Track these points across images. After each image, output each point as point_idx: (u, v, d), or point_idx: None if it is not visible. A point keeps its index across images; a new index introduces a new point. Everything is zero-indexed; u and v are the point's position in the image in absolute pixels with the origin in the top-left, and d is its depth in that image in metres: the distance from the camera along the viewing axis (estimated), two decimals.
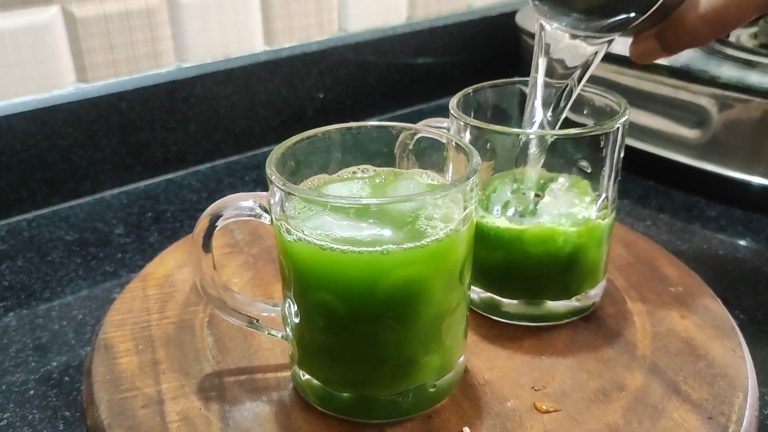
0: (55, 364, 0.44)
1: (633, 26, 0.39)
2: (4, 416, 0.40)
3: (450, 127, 0.42)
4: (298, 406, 0.38)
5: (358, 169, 0.40)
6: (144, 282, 0.48)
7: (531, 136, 0.41)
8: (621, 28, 0.39)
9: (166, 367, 0.40)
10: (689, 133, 0.61)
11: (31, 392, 0.42)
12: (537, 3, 0.40)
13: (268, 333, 0.39)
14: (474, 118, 0.43)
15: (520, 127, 0.43)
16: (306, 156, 0.38)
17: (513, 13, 0.81)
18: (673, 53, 0.41)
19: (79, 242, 0.57)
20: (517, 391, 0.38)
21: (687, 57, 0.61)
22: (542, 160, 0.41)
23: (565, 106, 0.41)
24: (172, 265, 0.50)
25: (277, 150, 0.36)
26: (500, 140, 0.42)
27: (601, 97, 0.43)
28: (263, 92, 0.71)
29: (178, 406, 0.37)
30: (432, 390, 0.37)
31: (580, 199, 0.42)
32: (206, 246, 0.36)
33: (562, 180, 0.43)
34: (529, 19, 0.77)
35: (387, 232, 0.33)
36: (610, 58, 0.63)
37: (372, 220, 0.34)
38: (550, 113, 0.41)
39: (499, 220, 0.42)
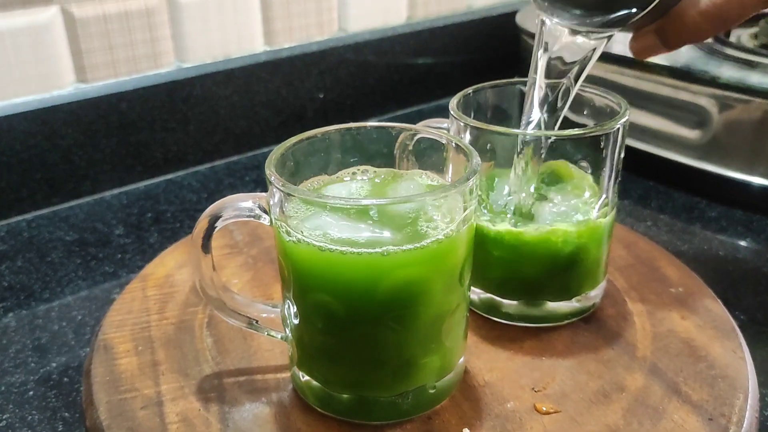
0: (54, 364, 0.44)
1: (633, 22, 0.39)
2: (4, 417, 0.40)
3: (450, 127, 0.42)
4: (297, 408, 0.38)
5: (358, 170, 0.40)
6: (143, 282, 0.48)
7: (530, 137, 0.41)
8: (621, 23, 0.39)
9: (166, 368, 0.40)
10: (690, 133, 0.61)
11: (31, 393, 0.42)
12: None
13: (268, 334, 0.39)
14: (474, 118, 0.43)
15: (520, 127, 0.43)
16: (305, 157, 0.38)
17: (513, 14, 0.81)
18: (674, 49, 0.41)
19: (79, 243, 0.57)
20: (517, 393, 0.38)
21: (687, 57, 0.61)
22: (542, 161, 0.41)
23: (563, 106, 0.41)
24: (172, 266, 0.50)
25: (277, 151, 0.36)
26: (500, 141, 0.42)
27: (601, 98, 0.43)
28: (263, 92, 0.71)
29: (177, 407, 0.37)
30: (432, 391, 0.37)
31: (580, 199, 0.42)
32: (205, 247, 0.36)
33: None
34: (529, 19, 0.77)
35: (387, 234, 0.33)
36: (610, 59, 0.64)
37: (372, 222, 0.34)
38: (546, 113, 0.41)
39: (499, 221, 0.42)
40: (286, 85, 0.72)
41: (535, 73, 0.41)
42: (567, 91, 0.41)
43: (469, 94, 0.44)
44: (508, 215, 0.42)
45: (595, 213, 0.42)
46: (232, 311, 0.38)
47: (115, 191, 0.65)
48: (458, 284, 0.36)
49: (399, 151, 0.40)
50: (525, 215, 0.42)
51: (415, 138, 0.39)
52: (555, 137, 0.40)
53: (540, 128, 0.41)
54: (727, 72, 0.58)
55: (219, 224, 0.36)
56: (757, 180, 0.58)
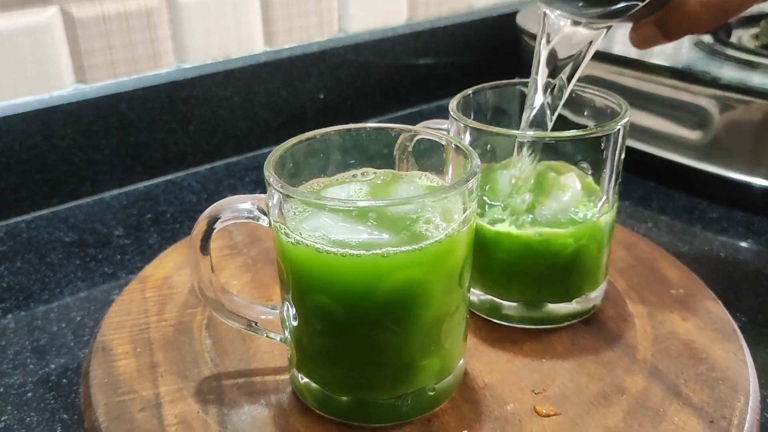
0: (53, 366, 0.44)
1: (634, 12, 0.39)
2: (2, 419, 0.40)
3: (450, 128, 0.42)
4: (296, 410, 0.37)
5: (358, 171, 0.40)
6: (142, 284, 0.48)
7: (527, 138, 0.41)
8: (622, 13, 0.39)
9: (164, 370, 0.40)
10: (690, 134, 0.61)
11: (29, 394, 0.42)
12: None
13: (267, 336, 0.39)
14: (474, 119, 0.43)
15: (519, 128, 0.43)
16: (305, 158, 0.38)
17: (514, 14, 0.81)
18: (674, 39, 0.41)
19: (78, 243, 0.57)
20: (517, 395, 0.38)
21: (688, 58, 0.61)
22: (537, 161, 0.41)
23: (558, 104, 0.41)
24: (171, 267, 0.49)
25: (276, 152, 0.36)
26: (500, 142, 0.42)
27: (601, 99, 0.43)
28: (263, 93, 0.71)
29: (176, 410, 0.37)
30: (431, 393, 0.37)
31: (580, 200, 0.42)
32: (204, 248, 0.36)
33: (565, 180, 0.43)
34: (529, 20, 0.77)
35: (386, 235, 0.33)
36: (610, 59, 0.64)
37: (371, 223, 0.33)
38: (548, 102, 0.41)
39: (498, 222, 0.42)
40: (286, 86, 0.72)
41: (538, 66, 0.41)
42: (562, 87, 0.41)
43: (469, 94, 0.44)
44: (508, 216, 0.42)
45: (595, 214, 0.42)
46: (231, 313, 0.38)
47: (115, 192, 0.65)
48: (458, 286, 0.35)
49: (399, 152, 0.40)
50: (524, 216, 0.42)
51: (415, 139, 0.39)
52: (555, 138, 0.40)
53: (537, 126, 0.41)
54: (728, 73, 0.58)
55: (218, 226, 0.36)
56: (758, 181, 0.58)
